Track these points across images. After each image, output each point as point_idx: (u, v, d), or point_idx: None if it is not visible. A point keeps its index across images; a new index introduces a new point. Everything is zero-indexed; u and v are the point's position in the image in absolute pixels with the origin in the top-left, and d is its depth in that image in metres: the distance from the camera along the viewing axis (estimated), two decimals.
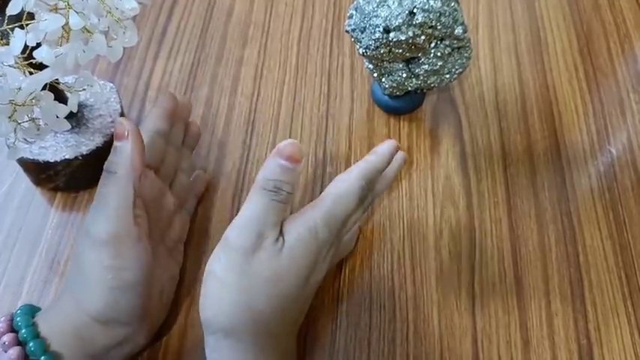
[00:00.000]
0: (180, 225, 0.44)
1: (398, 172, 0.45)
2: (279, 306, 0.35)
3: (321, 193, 0.48)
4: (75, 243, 0.46)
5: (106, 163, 0.37)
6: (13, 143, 0.37)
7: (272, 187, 0.35)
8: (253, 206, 0.35)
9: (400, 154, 0.45)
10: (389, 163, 0.42)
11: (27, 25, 0.33)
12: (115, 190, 0.36)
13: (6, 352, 0.33)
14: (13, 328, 0.35)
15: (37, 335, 0.34)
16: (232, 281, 0.34)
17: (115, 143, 0.37)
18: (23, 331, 0.34)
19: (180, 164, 0.45)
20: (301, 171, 0.38)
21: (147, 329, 0.38)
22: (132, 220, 0.36)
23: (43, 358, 0.34)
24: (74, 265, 0.37)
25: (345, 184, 0.39)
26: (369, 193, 0.40)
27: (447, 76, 0.49)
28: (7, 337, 0.34)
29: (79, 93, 0.41)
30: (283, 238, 0.36)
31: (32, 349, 0.34)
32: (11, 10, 0.33)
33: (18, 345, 0.34)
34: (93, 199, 0.47)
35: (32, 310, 0.37)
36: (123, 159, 0.36)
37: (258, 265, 0.34)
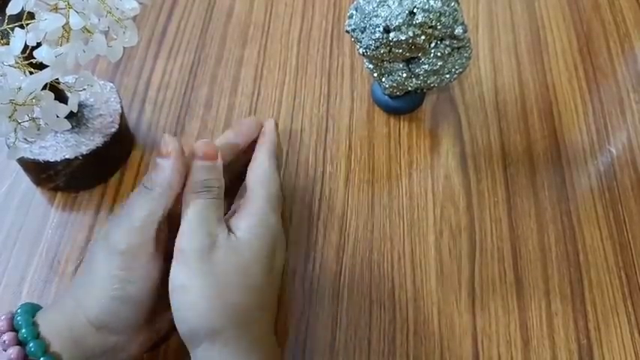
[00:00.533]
0: None
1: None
2: (251, 296, 0.35)
3: (321, 193, 0.48)
4: (75, 242, 0.46)
5: (144, 177, 0.37)
6: (14, 143, 0.37)
7: (201, 187, 0.37)
8: (192, 211, 0.36)
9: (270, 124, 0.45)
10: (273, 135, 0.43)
11: (27, 24, 0.33)
12: (146, 205, 0.36)
13: (5, 350, 0.33)
14: (13, 327, 0.34)
15: (37, 335, 0.34)
16: (199, 285, 0.34)
17: (157, 160, 0.37)
18: (23, 330, 0.34)
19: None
20: (221, 165, 0.39)
21: (141, 341, 0.37)
22: (152, 237, 0.35)
23: (42, 359, 0.33)
24: (85, 266, 0.37)
25: (262, 168, 0.40)
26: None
27: (447, 76, 0.49)
28: (7, 336, 0.34)
29: (79, 93, 0.41)
30: (234, 235, 0.36)
31: (32, 349, 0.33)
32: (11, 9, 0.33)
33: (18, 344, 0.34)
34: (93, 199, 0.48)
35: (33, 309, 0.36)
36: (160, 178, 0.36)
37: (218, 262, 0.35)
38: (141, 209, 0.36)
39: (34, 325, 0.35)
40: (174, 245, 0.39)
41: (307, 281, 0.44)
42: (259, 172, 0.40)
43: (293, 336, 0.42)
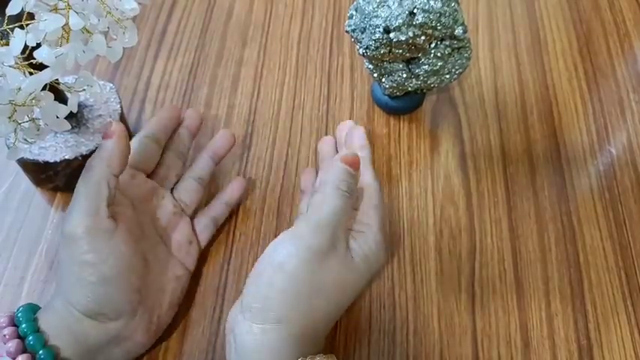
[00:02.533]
0: (186, 228, 0.43)
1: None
2: (333, 312, 0.36)
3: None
4: None
5: (87, 162, 0.38)
6: (13, 143, 0.37)
7: (346, 187, 0.37)
8: (330, 207, 0.36)
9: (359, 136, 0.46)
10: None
11: (27, 25, 0.33)
12: (89, 185, 0.36)
13: (5, 344, 0.34)
14: (14, 324, 0.35)
15: (36, 330, 0.35)
16: (303, 278, 0.34)
17: (102, 141, 0.38)
18: (24, 325, 0.35)
19: (187, 170, 0.46)
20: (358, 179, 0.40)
21: (144, 326, 0.38)
22: (105, 214, 0.36)
23: (41, 351, 0.34)
24: (59, 265, 0.37)
25: (373, 187, 0.41)
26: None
27: (447, 76, 0.49)
28: (8, 330, 0.34)
29: (79, 93, 0.41)
30: (350, 252, 0.37)
31: (31, 342, 0.34)
32: (11, 10, 0.33)
33: (18, 338, 0.34)
34: None
35: (34, 308, 0.37)
36: (100, 156, 0.37)
37: (328, 269, 0.35)
38: (84, 191, 0.36)
39: (34, 320, 0.35)
40: (152, 228, 0.41)
41: None
42: (371, 192, 0.41)
43: None
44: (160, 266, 0.40)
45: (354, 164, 0.38)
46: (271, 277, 0.34)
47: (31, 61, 0.34)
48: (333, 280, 0.35)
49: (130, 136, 0.51)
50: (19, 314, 0.35)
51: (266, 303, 0.34)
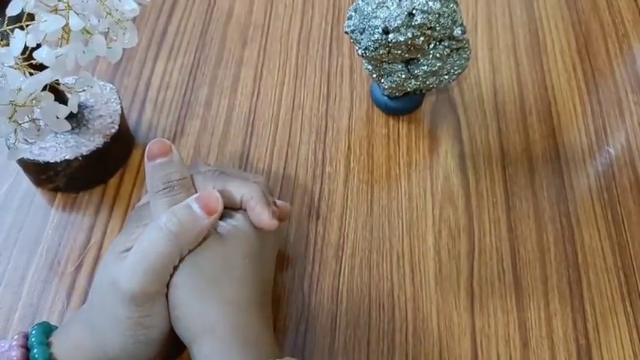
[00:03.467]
0: None
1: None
2: (240, 288, 0.34)
3: (320, 193, 0.48)
4: (75, 242, 0.46)
5: (168, 215, 0.34)
6: (14, 144, 0.37)
7: (162, 185, 0.36)
8: (160, 214, 0.35)
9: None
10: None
11: (27, 26, 0.33)
12: (167, 251, 0.33)
13: None
14: (27, 347, 0.34)
15: (49, 357, 0.33)
16: (188, 280, 0.34)
17: (197, 210, 0.34)
18: (35, 350, 0.33)
19: None
20: (180, 158, 0.37)
21: None
22: (167, 281, 0.34)
23: None
24: (97, 306, 0.35)
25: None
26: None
27: (446, 76, 0.49)
28: (18, 352, 0.33)
29: (79, 94, 0.41)
30: (222, 224, 0.36)
31: None
32: (11, 11, 0.33)
33: None
34: (93, 199, 0.48)
35: (46, 333, 0.35)
36: (196, 230, 0.34)
37: (204, 256, 0.34)
38: (160, 254, 0.33)
39: (47, 345, 0.34)
40: None
41: (306, 281, 0.44)
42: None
43: (292, 336, 0.42)
44: None
45: (162, 151, 0.36)
46: (170, 300, 0.34)
47: (32, 61, 0.34)
48: (215, 263, 0.34)
49: (131, 136, 0.51)
50: (33, 339, 0.34)
51: (178, 324, 0.33)
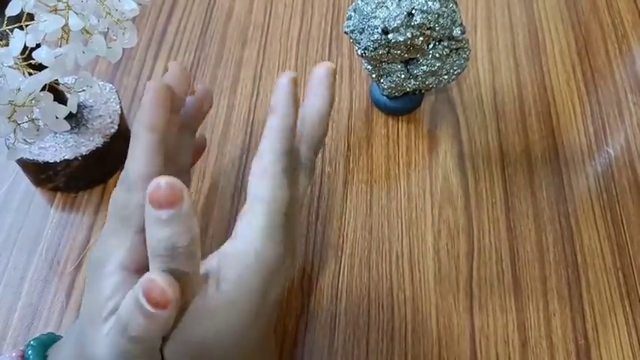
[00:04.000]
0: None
1: (331, 102, 0.35)
2: (238, 357, 0.30)
3: (320, 193, 0.48)
4: (75, 242, 0.46)
5: (126, 317, 0.28)
6: (13, 144, 0.38)
7: (164, 250, 0.27)
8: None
9: (321, 74, 0.34)
10: (295, 110, 0.32)
11: (26, 25, 0.34)
12: (136, 352, 0.28)
13: None
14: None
15: None
16: (175, 357, 0.29)
17: (148, 308, 0.27)
18: None
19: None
20: (191, 208, 0.28)
21: None
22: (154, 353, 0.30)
23: None
24: (84, 335, 0.30)
25: (264, 180, 0.30)
26: (304, 159, 0.33)
27: (446, 77, 0.49)
28: None
29: (79, 94, 0.41)
30: (218, 287, 0.29)
31: None
32: (11, 10, 0.33)
33: None
34: (92, 199, 0.48)
35: (46, 346, 0.33)
36: (155, 329, 0.28)
37: (194, 332, 0.29)
38: (133, 357, 0.28)
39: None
40: None
41: (306, 281, 0.44)
42: (260, 183, 0.30)
43: (292, 336, 0.42)
44: None
45: (171, 199, 0.26)
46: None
47: (31, 61, 0.34)
48: (208, 337, 0.29)
49: (130, 136, 0.51)
50: (30, 357, 0.32)
51: None
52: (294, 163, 0.33)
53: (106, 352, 0.28)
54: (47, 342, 0.34)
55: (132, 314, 0.27)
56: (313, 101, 0.34)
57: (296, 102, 0.32)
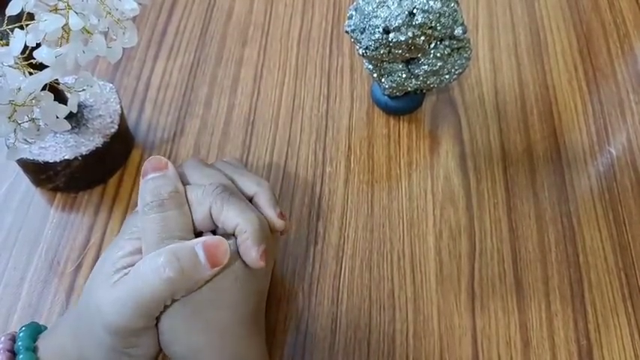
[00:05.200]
0: None
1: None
2: (227, 311, 0.33)
3: (320, 193, 0.48)
4: (75, 242, 0.46)
5: (168, 256, 0.31)
6: (13, 144, 0.37)
7: (151, 199, 0.33)
8: (149, 231, 0.33)
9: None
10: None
11: (27, 25, 0.33)
12: (159, 294, 0.31)
13: None
14: (13, 351, 0.33)
15: None
16: (177, 309, 0.32)
17: (197, 249, 0.32)
18: (21, 356, 0.33)
19: None
20: (176, 174, 0.35)
21: None
22: (155, 317, 0.32)
23: None
24: (83, 321, 0.33)
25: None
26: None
27: (447, 76, 0.49)
28: (3, 356, 0.33)
29: (79, 93, 0.41)
30: None
31: None
32: (11, 10, 0.33)
33: None
34: (92, 199, 0.48)
35: (36, 332, 0.35)
36: (190, 266, 0.31)
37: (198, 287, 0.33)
38: (152, 297, 0.31)
39: (34, 351, 0.34)
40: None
41: (307, 282, 0.44)
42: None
43: (292, 336, 0.42)
44: None
45: (157, 166, 0.34)
46: (160, 323, 0.33)
47: (31, 61, 0.34)
48: (206, 296, 0.32)
49: (130, 136, 0.51)
50: (20, 342, 0.33)
51: (166, 349, 0.33)
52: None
53: (110, 299, 0.31)
54: (36, 331, 0.35)
55: (184, 257, 0.31)
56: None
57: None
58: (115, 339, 0.32)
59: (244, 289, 0.34)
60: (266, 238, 0.35)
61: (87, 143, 0.46)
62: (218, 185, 0.35)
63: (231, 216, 0.34)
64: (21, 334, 0.34)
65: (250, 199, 0.37)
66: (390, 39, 0.44)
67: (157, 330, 0.33)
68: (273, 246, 0.38)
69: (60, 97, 0.40)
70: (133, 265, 0.32)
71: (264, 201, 0.37)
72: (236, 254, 0.34)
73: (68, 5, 0.34)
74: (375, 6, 0.45)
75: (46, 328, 0.36)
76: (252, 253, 0.33)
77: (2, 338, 0.34)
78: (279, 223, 0.37)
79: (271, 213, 0.37)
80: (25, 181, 0.49)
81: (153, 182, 0.34)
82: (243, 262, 0.34)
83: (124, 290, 0.31)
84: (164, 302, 0.31)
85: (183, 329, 0.32)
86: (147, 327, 0.32)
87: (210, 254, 0.32)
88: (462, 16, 0.46)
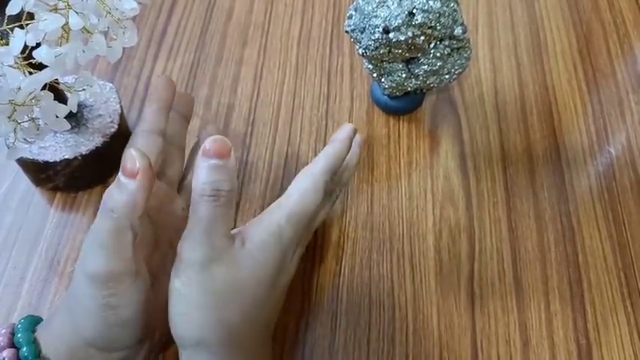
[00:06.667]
0: None
1: (360, 158, 0.46)
2: (247, 313, 0.34)
3: None
4: (75, 242, 0.46)
5: (105, 195, 0.33)
6: (13, 143, 0.37)
7: (210, 191, 0.33)
8: (197, 218, 0.34)
9: (358, 137, 0.45)
10: (349, 149, 0.42)
11: (27, 25, 0.33)
12: (113, 229, 0.33)
13: None
14: (13, 344, 0.34)
15: (38, 354, 0.33)
16: (195, 295, 0.33)
17: (121, 178, 0.33)
18: (24, 349, 0.33)
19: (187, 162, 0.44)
20: (235, 166, 0.36)
21: (145, 351, 0.36)
22: (130, 257, 0.33)
23: None
24: (73, 294, 0.34)
25: (309, 180, 0.38)
26: (334, 185, 0.42)
27: (447, 76, 0.49)
28: (7, 353, 0.33)
29: (79, 93, 0.41)
30: (244, 245, 0.35)
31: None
32: (11, 10, 0.33)
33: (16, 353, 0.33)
34: (92, 199, 0.48)
35: (34, 323, 0.35)
36: (123, 198, 0.33)
37: (218, 277, 0.33)
38: (108, 234, 0.33)
39: (35, 342, 0.34)
40: (164, 237, 0.39)
41: (306, 281, 0.44)
42: (305, 181, 0.38)
43: (292, 335, 0.42)
44: (168, 280, 0.38)
45: (217, 154, 0.34)
46: (173, 303, 0.33)
47: (31, 60, 0.34)
48: (227, 288, 0.33)
49: (130, 136, 0.51)
50: (19, 334, 0.34)
51: (177, 331, 0.33)
52: (330, 187, 0.41)
53: (87, 242, 0.33)
54: (34, 322, 0.36)
55: (112, 188, 0.33)
56: (351, 155, 0.44)
57: (350, 145, 0.42)
58: (95, 288, 0.32)
59: (263, 296, 0.35)
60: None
61: (87, 143, 0.46)
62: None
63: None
64: (19, 326, 0.35)
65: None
66: (389, 39, 0.44)
67: (140, 283, 0.34)
68: (292, 266, 0.38)
69: (60, 97, 0.40)
70: None
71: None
72: (263, 260, 0.35)
73: (68, 5, 0.34)
74: (374, 6, 0.45)
75: (42, 319, 0.37)
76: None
77: (3, 330, 0.34)
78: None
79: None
80: (24, 181, 0.49)
81: (215, 173, 0.34)
82: (268, 271, 0.35)
83: (87, 238, 0.33)
84: (124, 238, 0.33)
85: (197, 319, 0.33)
86: (125, 272, 0.33)
87: (123, 167, 0.33)
88: (461, 16, 0.46)
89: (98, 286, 0.33)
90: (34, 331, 0.35)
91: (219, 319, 0.33)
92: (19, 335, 0.34)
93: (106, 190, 0.33)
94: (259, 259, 0.35)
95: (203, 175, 0.34)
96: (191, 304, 0.33)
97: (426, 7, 0.43)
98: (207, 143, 0.34)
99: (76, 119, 0.46)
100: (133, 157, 0.33)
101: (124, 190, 0.33)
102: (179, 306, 0.33)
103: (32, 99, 0.35)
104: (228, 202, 0.34)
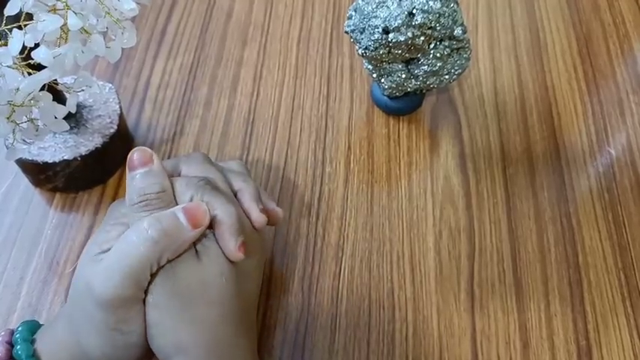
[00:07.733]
0: None
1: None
2: (216, 309, 0.33)
3: (320, 193, 0.48)
4: (74, 243, 0.46)
5: (149, 224, 0.32)
6: (12, 144, 0.37)
7: (138, 199, 0.34)
8: (136, 229, 0.33)
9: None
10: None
11: (25, 25, 0.33)
12: (144, 254, 0.32)
13: None
14: (12, 356, 0.33)
15: (32, 354, 0.33)
16: (164, 301, 0.32)
17: (181, 218, 0.33)
18: (19, 347, 0.33)
19: None
20: (161, 167, 0.36)
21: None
22: (144, 287, 0.32)
23: None
24: (76, 308, 0.34)
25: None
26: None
27: (447, 76, 0.49)
28: (1, 348, 0.33)
29: (78, 94, 0.41)
30: (201, 243, 0.34)
31: None
32: (9, 10, 0.33)
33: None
34: (92, 199, 0.48)
35: (32, 331, 0.35)
36: (180, 238, 0.33)
37: (180, 276, 0.33)
38: (137, 258, 0.32)
39: (35, 356, 0.34)
40: None
41: (306, 282, 0.44)
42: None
43: (292, 336, 0.42)
44: None
45: (144, 160, 0.35)
46: (148, 317, 0.33)
47: (30, 61, 0.34)
48: (191, 284, 0.33)
49: (130, 136, 0.51)
50: (19, 346, 0.34)
51: (152, 342, 0.33)
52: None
53: (98, 270, 0.32)
54: (35, 326, 0.36)
55: (166, 220, 0.33)
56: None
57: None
58: (106, 313, 0.32)
59: (231, 286, 0.34)
60: (248, 233, 0.36)
61: (86, 143, 0.46)
62: (202, 178, 0.36)
63: (211, 208, 0.35)
64: (19, 328, 0.35)
65: (235, 195, 0.38)
66: (389, 39, 0.44)
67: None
68: (258, 243, 0.38)
69: (59, 98, 0.40)
70: None
71: (247, 196, 0.38)
72: (220, 251, 0.34)
73: (67, 5, 0.34)
74: (374, 6, 0.45)
75: (40, 325, 0.37)
76: (229, 245, 0.34)
77: (3, 332, 0.35)
78: (259, 217, 0.37)
79: (252, 207, 0.37)
80: (24, 182, 0.49)
81: (140, 181, 0.35)
82: (230, 260, 0.34)
83: (110, 260, 0.32)
84: (150, 268, 0.32)
85: (170, 324, 0.32)
86: (136, 297, 0.32)
87: (191, 215, 0.33)
88: (461, 17, 0.46)
89: (109, 312, 0.32)
90: (32, 342, 0.34)
91: (192, 318, 0.33)
92: (18, 347, 0.34)
93: (151, 218, 0.33)
94: (218, 256, 0.34)
95: (130, 187, 0.35)
96: (163, 311, 0.32)
97: (425, 8, 0.43)
98: (129, 156, 0.35)
99: (75, 120, 0.46)
100: (204, 211, 0.34)
101: (181, 233, 0.33)
102: (152, 317, 0.33)
103: (31, 100, 0.35)
104: (161, 203, 0.35)
